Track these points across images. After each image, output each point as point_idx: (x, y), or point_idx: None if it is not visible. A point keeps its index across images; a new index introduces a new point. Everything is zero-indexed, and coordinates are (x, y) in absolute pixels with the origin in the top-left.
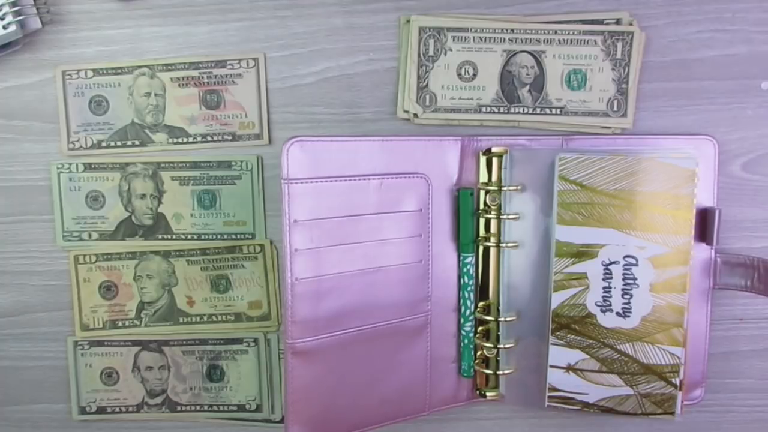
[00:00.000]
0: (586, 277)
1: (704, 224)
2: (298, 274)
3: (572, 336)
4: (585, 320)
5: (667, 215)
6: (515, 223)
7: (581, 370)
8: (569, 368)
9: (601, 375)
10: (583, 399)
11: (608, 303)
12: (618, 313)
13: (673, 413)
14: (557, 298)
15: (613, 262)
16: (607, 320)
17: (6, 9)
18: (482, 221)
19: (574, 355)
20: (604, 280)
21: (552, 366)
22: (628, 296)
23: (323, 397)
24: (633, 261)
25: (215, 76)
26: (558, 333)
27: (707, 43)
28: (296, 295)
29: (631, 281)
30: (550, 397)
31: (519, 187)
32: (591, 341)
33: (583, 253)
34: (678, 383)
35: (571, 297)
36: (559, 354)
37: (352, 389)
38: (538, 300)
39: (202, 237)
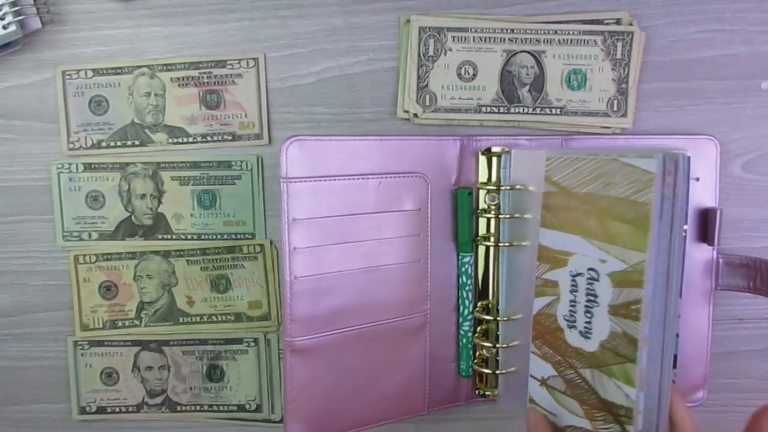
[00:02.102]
0: (558, 287)
1: (705, 224)
2: (296, 273)
3: (546, 348)
4: (555, 333)
5: (627, 226)
6: (514, 223)
7: (551, 387)
8: (542, 382)
9: (566, 398)
10: (554, 420)
11: (574, 319)
12: (581, 332)
13: None
14: (537, 304)
15: (579, 274)
16: (572, 338)
17: (6, 9)
18: (481, 221)
19: (547, 369)
20: (570, 292)
21: (531, 376)
22: (589, 315)
23: (322, 395)
24: (595, 275)
25: (215, 76)
26: (536, 341)
27: (707, 43)
28: (295, 293)
29: (593, 298)
30: (529, 407)
31: (518, 187)
32: (559, 357)
33: (557, 259)
34: None
35: (546, 305)
36: (536, 364)
37: (351, 388)
38: (531, 301)
39: (202, 237)
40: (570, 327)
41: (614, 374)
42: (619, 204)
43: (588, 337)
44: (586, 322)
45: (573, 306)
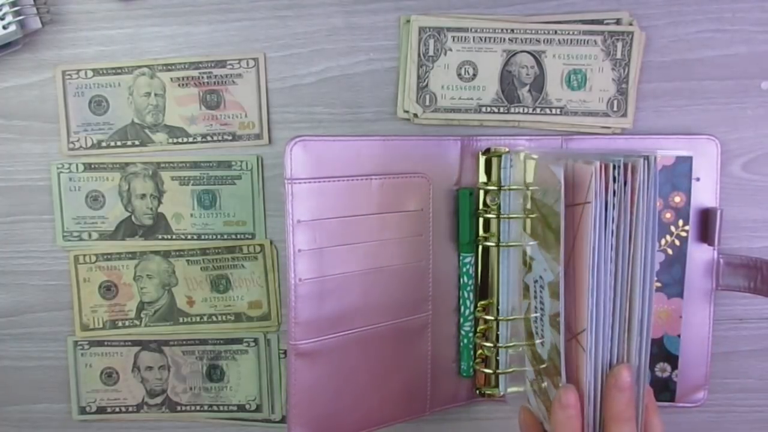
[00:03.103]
0: (529, 291)
1: (706, 225)
2: (301, 275)
3: (530, 351)
4: (531, 338)
5: (552, 235)
6: (515, 223)
7: (535, 392)
8: (531, 383)
9: (541, 403)
10: (543, 424)
11: (537, 325)
12: (541, 342)
13: None
14: (524, 306)
15: (536, 281)
16: (538, 344)
17: (6, 9)
18: (482, 221)
19: (530, 372)
20: (534, 298)
21: (526, 377)
22: (542, 323)
23: (325, 398)
24: (543, 283)
25: (215, 76)
26: (528, 342)
27: (707, 43)
28: (299, 296)
29: (542, 307)
30: (522, 406)
31: (518, 187)
32: (535, 362)
33: (529, 264)
34: None
35: (527, 309)
36: (528, 365)
37: (354, 390)
38: None
39: (202, 237)
40: (536, 334)
41: (557, 387)
42: (549, 211)
43: (543, 346)
44: (542, 331)
45: (536, 312)
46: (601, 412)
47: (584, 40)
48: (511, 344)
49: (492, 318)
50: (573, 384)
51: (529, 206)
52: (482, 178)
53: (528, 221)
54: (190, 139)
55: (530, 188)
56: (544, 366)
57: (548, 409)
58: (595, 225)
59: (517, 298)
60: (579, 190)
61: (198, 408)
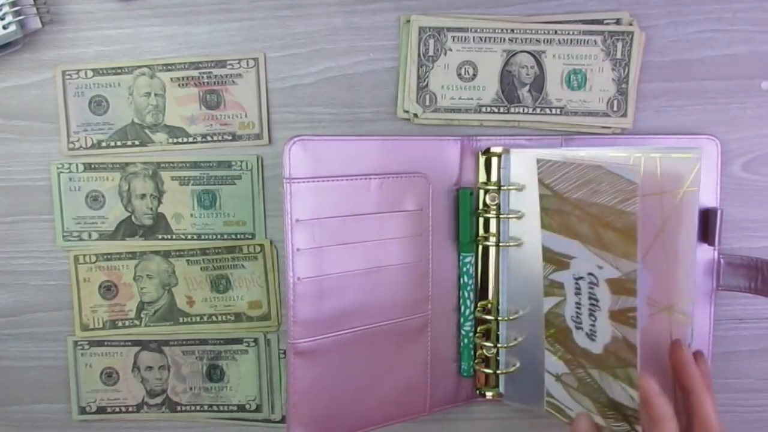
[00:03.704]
0: (563, 288)
1: (706, 225)
2: (300, 274)
3: (558, 345)
4: (564, 332)
5: (616, 235)
6: (514, 223)
7: (566, 384)
8: (557, 378)
9: (579, 395)
10: (570, 414)
11: (580, 320)
12: (587, 334)
13: None
14: (546, 304)
15: (581, 278)
16: (580, 338)
17: (6, 9)
18: (482, 221)
19: (560, 366)
20: (575, 294)
21: (547, 371)
22: (593, 318)
23: (325, 397)
24: (594, 280)
25: (215, 76)
26: (549, 339)
27: (707, 43)
28: (298, 295)
29: (595, 302)
30: (547, 401)
31: (518, 187)
32: (570, 356)
33: (560, 262)
34: None
35: (555, 305)
36: (550, 361)
37: (353, 389)
38: (537, 300)
39: (202, 237)
40: (577, 328)
41: (618, 377)
42: (607, 211)
43: (593, 339)
44: (591, 325)
45: (578, 308)
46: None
47: (584, 40)
48: (512, 344)
49: (492, 318)
50: (658, 357)
51: (552, 205)
52: (482, 177)
53: (551, 219)
54: (190, 139)
55: (553, 188)
56: (592, 357)
57: (594, 400)
58: (695, 207)
59: (529, 294)
60: (671, 180)
61: (198, 408)
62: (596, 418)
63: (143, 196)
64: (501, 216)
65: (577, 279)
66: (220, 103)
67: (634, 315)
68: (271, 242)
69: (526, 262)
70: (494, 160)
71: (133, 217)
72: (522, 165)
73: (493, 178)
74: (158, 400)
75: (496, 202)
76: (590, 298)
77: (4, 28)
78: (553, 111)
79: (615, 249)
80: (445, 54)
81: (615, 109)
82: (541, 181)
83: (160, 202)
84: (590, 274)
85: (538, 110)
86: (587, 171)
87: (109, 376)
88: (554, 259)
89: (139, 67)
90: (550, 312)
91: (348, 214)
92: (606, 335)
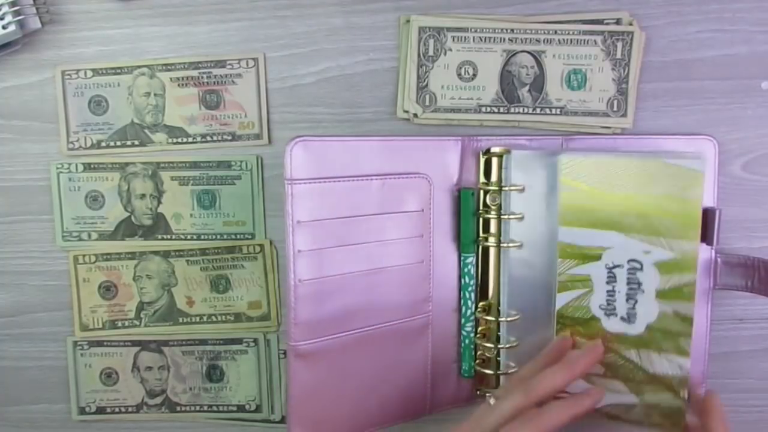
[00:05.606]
0: (590, 280)
1: (705, 224)
2: (301, 276)
3: (578, 337)
4: (589, 323)
5: (674, 219)
6: (515, 223)
7: (586, 373)
8: None
9: (605, 380)
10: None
11: (612, 307)
12: (623, 318)
13: (680, 427)
14: (561, 299)
15: (617, 266)
16: (612, 324)
17: (5, 9)
18: (482, 221)
19: None
20: (608, 283)
21: None
22: (632, 301)
23: (325, 399)
24: (637, 265)
25: (215, 76)
26: (563, 333)
27: (707, 43)
28: (299, 297)
29: (636, 286)
30: (556, 397)
31: (519, 188)
32: (617, 343)
33: (587, 255)
34: (686, 396)
35: (575, 299)
36: None
37: (354, 391)
38: (539, 300)
39: (202, 237)
40: (608, 315)
41: (664, 350)
42: (664, 200)
43: (632, 322)
44: (629, 308)
45: (611, 295)
46: None
47: (584, 40)
48: (512, 344)
49: (492, 318)
50: None
51: (582, 201)
52: (483, 178)
53: (577, 215)
54: (190, 139)
55: (584, 185)
56: (629, 339)
57: (628, 380)
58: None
59: (531, 294)
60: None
61: (198, 408)
62: (625, 398)
63: (143, 196)
64: (502, 217)
65: (611, 268)
66: (219, 103)
67: (691, 289)
68: (270, 242)
69: (527, 262)
70: (495, 161)
71: (132, 217)
72: (525, 166)
73: (494, 178)
74: (158, 400)
75: (496, 203)
76: (629, 283)
77: (4, 28)
78: (553, 111)
79: (671, 233)
80: (445, 54)
81: (615, 109)
82: (566, 179)
83: (159, 202)
84: (632, 260)
85: (538, 110)
86: (639, 165)
87: (109, 376)
88: (579, 254)
89: (139, 67)
90: (567, 306)
91: (349, 215)
92: (650, 314)
